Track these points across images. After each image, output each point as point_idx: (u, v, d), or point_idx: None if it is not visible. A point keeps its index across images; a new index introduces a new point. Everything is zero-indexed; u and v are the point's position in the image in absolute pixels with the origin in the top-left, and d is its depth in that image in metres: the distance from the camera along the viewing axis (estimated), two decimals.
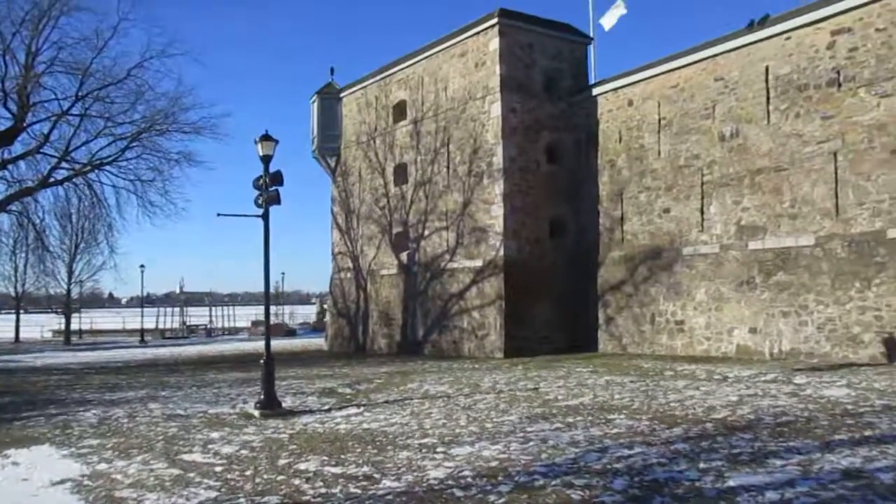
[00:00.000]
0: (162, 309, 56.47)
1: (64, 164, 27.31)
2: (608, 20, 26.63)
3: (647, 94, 22.68)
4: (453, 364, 21.36)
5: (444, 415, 12.15)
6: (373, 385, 16.91)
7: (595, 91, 24.44)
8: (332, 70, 32.79)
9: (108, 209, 28.21)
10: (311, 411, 13.54)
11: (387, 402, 14.10)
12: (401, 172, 28.31)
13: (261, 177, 14.02)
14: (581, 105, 25.08)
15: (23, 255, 45.14)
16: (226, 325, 56.77)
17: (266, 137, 13.78)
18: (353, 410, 13.29)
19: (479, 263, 24.23)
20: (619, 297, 23.16)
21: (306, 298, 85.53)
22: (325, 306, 33.28)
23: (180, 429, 12.01)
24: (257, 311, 68.82)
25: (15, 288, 50.32)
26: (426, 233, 26.72)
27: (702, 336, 20.42)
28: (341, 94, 31.96)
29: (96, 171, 28.01)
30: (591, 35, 26.30)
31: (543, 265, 24.18)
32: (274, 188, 13.78)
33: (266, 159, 13.86)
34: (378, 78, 29.58)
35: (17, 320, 52.17)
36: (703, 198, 20.88)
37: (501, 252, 23.51)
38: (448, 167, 25.83)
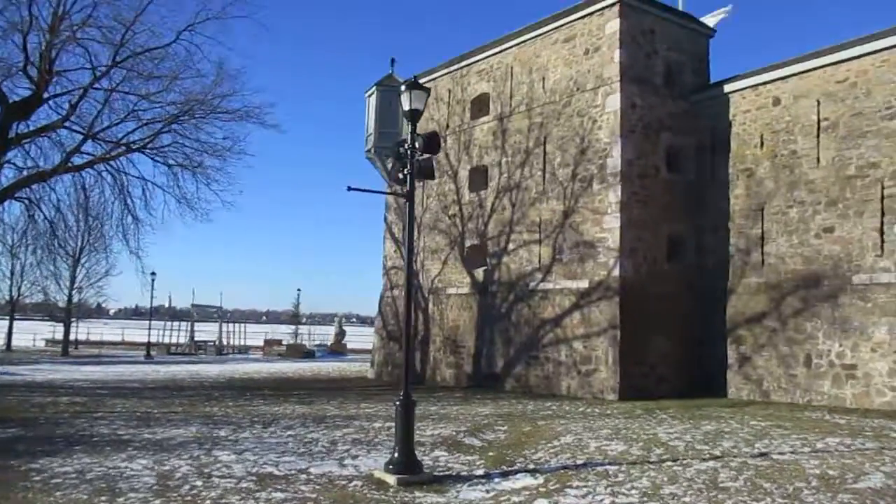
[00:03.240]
0: (168, 323, 51.93)
1: (85, 149, 23.26)
2: (712, 20, 22.96)
3: (802, 90, 18.90)
4: (565, 405, 17.27)
5: (692, 497, 8.07)
6: (503, 436, 12.79)
7: (727, 88, 20.66)
8: (392, 61, 29.02)
9: (132, 202, 23.97)
10: (462, 478, 9.44)
11: (565, 467, 9.99)
12: (479, 176, 24.38)
13: (401, 143, 10.07)
14: (706, 104, 21.29)
15: (28, 252, 40.64)
16: (236, 342, 52.32)
17: (414, 85, 9.88)
18: (528, 481, 9.20)
19: (583, 284, 20.21)
20: (757, 332, 19.15)
21: (320, 319, 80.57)
22: (375, 328, 29.11)
23: None
24: (268, 330, 64.62)
25: (10, 291, 45.87)
26: (511, 247, 22.72)
27: (883, 385, 16.39)
28: (403, 87, 28.04)
29: (123, 158, 23.90)
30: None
31: (660, 291, 20.18)
32: (426, 157, 9.80)
33: (415, 116, 9.93)
34: (452, 69, 25.78)
35: (10, 327, 47.61)
36: (883, 215, 16.99)
37: (616, 272, 19.50)
38: (544, 170, 21.91)
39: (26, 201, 23.87)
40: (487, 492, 8.71)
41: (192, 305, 52.79)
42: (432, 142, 9.74)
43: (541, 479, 9.24)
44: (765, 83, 19.77)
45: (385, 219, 28.71)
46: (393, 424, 13.88)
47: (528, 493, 8.62)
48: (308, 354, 45.97)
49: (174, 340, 50.32)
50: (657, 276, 20.27)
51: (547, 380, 20.67)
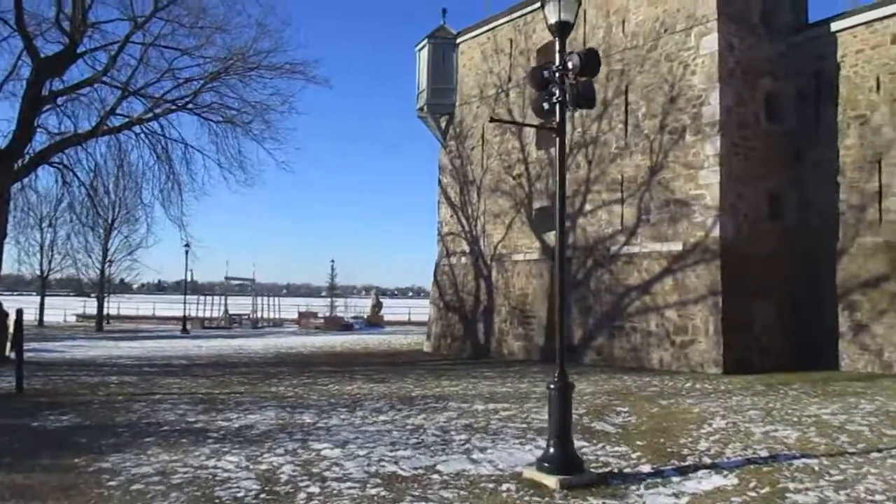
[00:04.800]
0: (201, 297, 50.57)
1: (120, 111, 21.53)
2: None
3: None
4: (667, 380, 15.48)
5: None
6: (633, 419, 11.02)
7: (834, 26, 18.45)
8: (443, 11, 27.00)
9: (175, 166, 22.26)
10: (630, 477, 7.68)
11: (750, 461, 8.19)
12: (548, 132, 22.33)
13: (544, 66, 8.16)
14: (809, 45, 19.11)
15: (57, 224, 39.20)
16: (270, 316, 50.93)
17: None
18: (718, 481, 7.43)
19: (676, 247, 18.29)
20: (875, 297, 17.19)
21: (348, 291, 78.90)
22: (431, 299, 27.39)
23: None
24: (299, 304, 63.26)
25: (41, 265, 44.58)
26: (587, 208, 20.80)
27: None
28: (458, 40, 26.05)
29: (162, 119, 22.15)
30: None
31: (761, 253, 18.24)
32: (585, 80, 7.89)
33: (564, 30, 8.03)
34: (514, 16, 23.69)
35: (42, 303, 46.45)
36: None
37: (716, 232, 17.57)
38: (626, 123, 19.89)
39: (60, 167, 22.24)
40: (677, 496, 6.95)
41: (226, 278, 51.41)
42: (591, 60, 7.81)
43: (733, 479, 7.45)
44: (881, 19, 17.56)
45: (439, 182, 26.83)
46: (498, 406, 12.29)
47: (727, 496, 6.85)
48: (346, 327, 44.50)
49: (209, 314, 48.98)
50: (758, 237, 18.31)
51: (634, 352, 18.87)
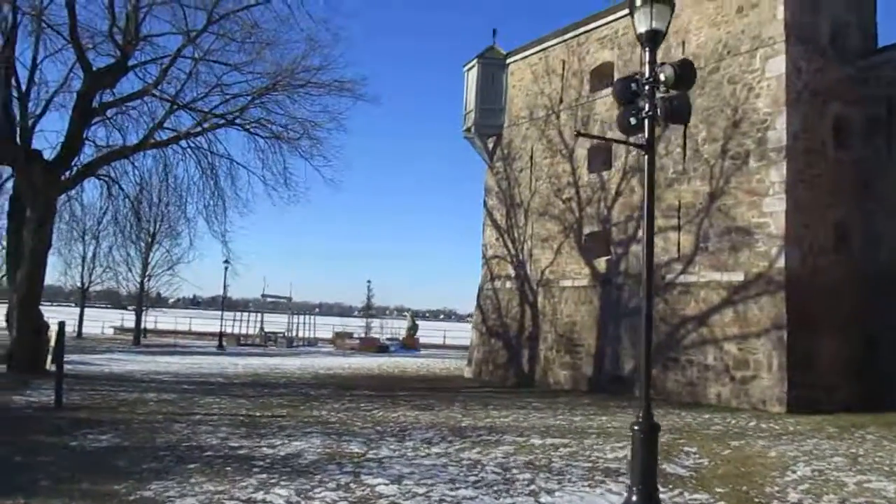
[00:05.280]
0: (237, 314, 50.52)
1: (167, 125, 21.43)
2: None
3: None
4: (730, 418, 14.62)
5: None
6: (705, 461, 10.23)
7: None
8: (494, 32, 26.55)
9: (220, 181, 22.07)
10: None
11: None
12: (600, 155, 21.74)
13: (631, 78, 7.58)
14: (881, 70, 18.29)
15: (101, 236, 39.44)
16: (305, 335, 50.68)
17: None
18: None
19: (737, 277, 17.46)
20: None
21: (381, 312, 78.31)
22: (473, 324, 26.74)
23: None
24: (334, 323, 63.03)
25: (82, 277, 44.91)
26: (640, 234, 20.01)
27: None
28: (508, 60, 25.62)
29: (209, 134, 22.00)
30: None
31: (827, 285, 17.32)
32: (676, 95, 7.29)
33: (656, 39, 7.46)
34: (567, 37, 23.18)
35: (81, 314, 46.75)
36: None
37: (781, 263, 16.71)
38: (684, 147, 19.19)
39: (107, 179, 22.18)
40: None
41: (262, 295, 51.34)
42: (686, 71, 7.20)
43: None
44: None
45: (485, 203, 26.28)
46: (556, 442, 11.56)
47: None
48: (382, 349, 44.00)
49: (243, 331, 48.88)
50: (823, 269, 17.40)
51: (690, 386, 18.00)
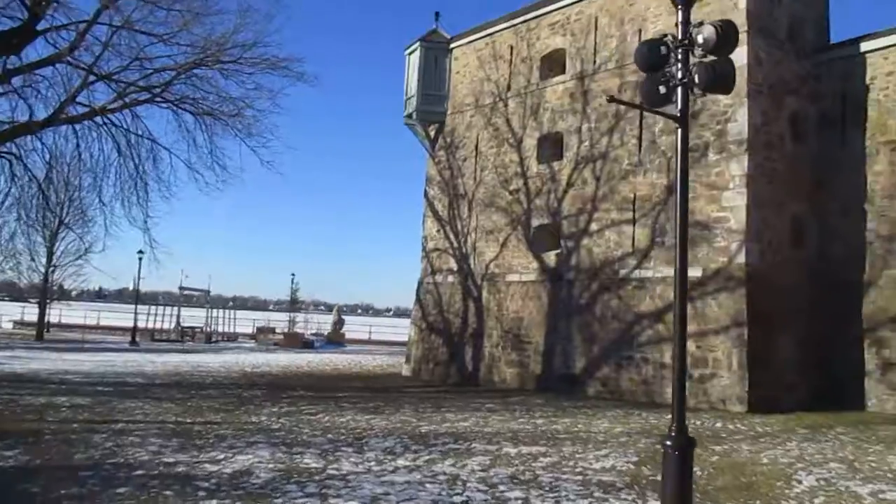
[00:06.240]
0: (152, 307, 47.53)
1: (81, 100, 19.34)
2: None
3: None
4: (692, 418, 13.93)
5: None
6: (702, 470, 9.42)
7: (863, 47, 17.50)
8: (436, 15, 25.39)
9: (141, 162, 20.07)
10: None
11: None
12: (551, 145, 20.96)
13: (658, 42, 6.61)
14: (835, 65, 18.14)
15: (7, 218, 35.97)
16: (225, 330, 48.22)
17: None
18: None
19: (696, 273, 16.93)
20: None
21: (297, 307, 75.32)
22: (412, 319, 25.57)
23: None
24: (255, 317, 60.49)
25: None
26: (593, 227, 19.37)
27: None
28: (452, 45, 24.54)
29: (127, 111, 19.99)
30: None
31: (785, 283, 17.05)
32: (717, 60, 6.35)
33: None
34: (516, 22, 22.28)
35: None
36: None
37: (741, 259, 16.29)
38: (640, 138, 18.58)
39: (10, 157, 19.86)
40: None
41: (180, 288, 48.57)
42: (730, 32, 6.28)
43: None
44: None
45: (426, 194, 25.13)
46: (532, 450, 10.53)
47: None
48: (307, 344, 42.17)
49: (158, 326, 46.07)
50: (781, 266, 17.11)
51: (646, 385, 17.41)
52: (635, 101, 18.15)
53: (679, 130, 6.67)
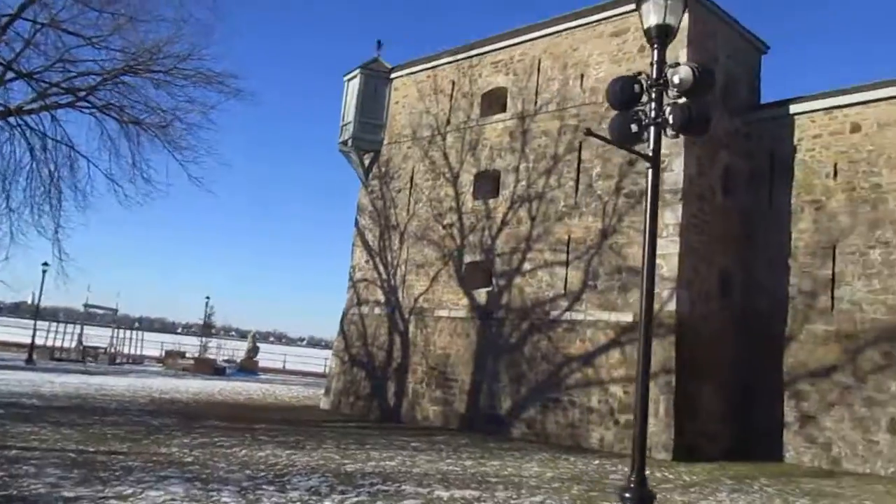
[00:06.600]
0: (52, 324, 44.72)
1: None
2: None
3: (890, 118, 16.64)
4: (619, 464, 13.82)
5: None
6: None
7: (793, 109, 18.22)
8: (378, 44, 25.19)
9: (56, 169, 18.84)
10: None
11: None
12: (487, 182, 20.88)
13: (632, 79, 6.48)
14: (766, 125, 18.81)
15: None
16: (131, 351, 45.82)
17: None
18: None
19: (626, 318, 17.02)
20: (825, 387, 16.54)
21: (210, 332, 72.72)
22: (334, 350, 24.78)
23: None
24: (163, 340, 57.90)
25: None
26: (526, 267, 19.28)
27: None
28: (393, 74, 24.33)
29: (45, 113, 18.82)
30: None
31: (711, 332, 17.31)
32: (694, 102, 6.23)
33: (666, 35, 6.39)
34: (459, 57, 22.28)
35: None
36: None
37: (672, 306, 16.46)
38: (577, 181, 18.69)
39: None
40: None
41: (85, 305, 46.01)
42: (707, 76, 6.19)
43: None
44: (841, 107, 17.43)
45: (356, 223, 24.61)
46: (466, 494, 10.03)
47: None
48: (218, 371, 40.51)
49: (58, 344, 43.35)
50: (709, 316, 17.39)
51: (572, 428, 17.25)
52: (574, 144, 18.36)
53: (650, 171, 6.51)
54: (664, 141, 15.36)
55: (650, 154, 6.56)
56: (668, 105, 6.31)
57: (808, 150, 17.83)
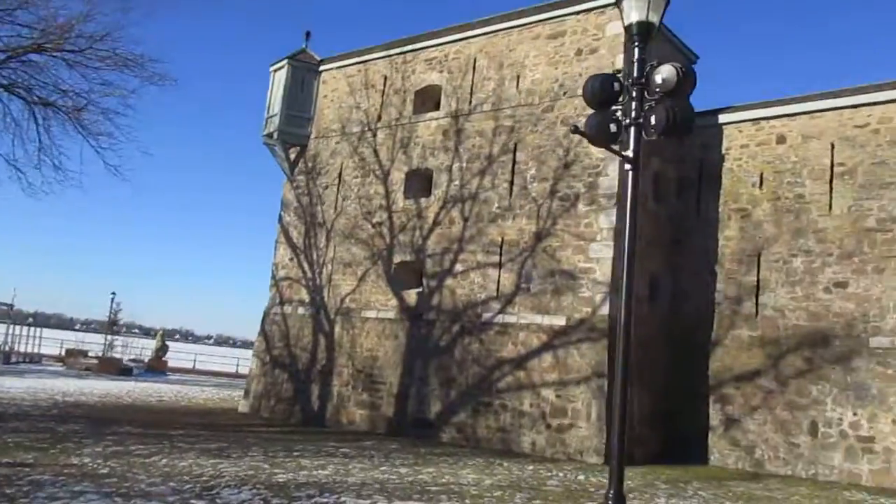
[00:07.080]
0: None
1: None
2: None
3: (813, 131, 17.21)
4: (558, 470, 13.70)
5: None
6: None
7: (722, 118, 18.61)
8: (307, 34, 24.35)
9: None
10: None
11: None
12: (419, 181, 20.47)
13: (611, 78, 6.21)
14: (695, 133, 18.98)
15: None
16: (26, 349, 43.04)
17: None
18: None
19: (559, 321, 16.95)
20: (748, 391, 16.93)
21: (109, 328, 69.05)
22: (255, 351, 23.79)
23: None
24: (64, 338, 54.70)
25: None
26: (458, 268, 18.98)
27: None
28: (322, 67, 23.60)
29: None
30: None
31: (641, 336, 17.37)
32: (677, 102, 6.00)
33: (647, 32, 6.15)
34: (392, 52, 21.78)
35: None
36: None
37: (605, 310, 16.48)
38: (511, 182, 18.52)
39: None
40: None
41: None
42: (690, 77, 5.97)
43: None
44: (768, 118, 17.92)
45: (280, 219, 23.72)
46: None
47: None
48: (125, 371, 38.55)
49: None
50: (640, 320, 17.44)
51: (503, 433, 17.05)
52: (509, 145, 18.16)
53: (630, 173, 6.27)
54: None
55: (630, 156, 6.30)
56: (649, 105, 6.08)
57: (735, 160, 18.24)
